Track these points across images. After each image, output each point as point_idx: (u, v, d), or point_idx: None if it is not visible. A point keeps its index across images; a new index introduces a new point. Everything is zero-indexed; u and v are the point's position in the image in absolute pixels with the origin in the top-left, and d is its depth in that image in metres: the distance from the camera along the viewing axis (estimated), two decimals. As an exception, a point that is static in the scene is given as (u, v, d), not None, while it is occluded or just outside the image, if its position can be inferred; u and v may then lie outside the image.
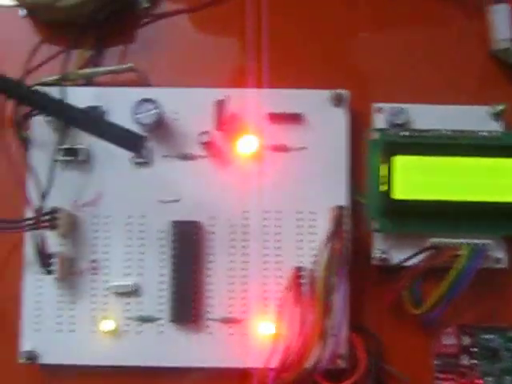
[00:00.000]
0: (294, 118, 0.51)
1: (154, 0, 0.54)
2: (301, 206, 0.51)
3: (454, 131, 0.50)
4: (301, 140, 0.51)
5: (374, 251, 0.50)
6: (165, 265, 0.50)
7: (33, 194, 0.49)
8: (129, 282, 0.50)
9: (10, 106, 0.51)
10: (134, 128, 0.50)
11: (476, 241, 0.49)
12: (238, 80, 0.52)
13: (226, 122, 0.49)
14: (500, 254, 0.50)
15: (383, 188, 0.48)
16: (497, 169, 0.49)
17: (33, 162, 0.50)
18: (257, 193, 0.51)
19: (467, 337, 0.50)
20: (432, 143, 0.49)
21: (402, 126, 0.50)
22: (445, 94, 0.53)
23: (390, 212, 0.49)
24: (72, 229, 0.50)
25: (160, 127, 0.51)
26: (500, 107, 0.51)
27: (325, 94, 0.51)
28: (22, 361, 0.49)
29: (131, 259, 0.50)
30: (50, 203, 0.49)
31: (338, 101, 0.51)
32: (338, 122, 0.51)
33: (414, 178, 0.48)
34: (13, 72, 0.51)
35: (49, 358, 0.50)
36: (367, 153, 0.50)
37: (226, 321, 0.50)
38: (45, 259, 0.47)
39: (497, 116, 0.51)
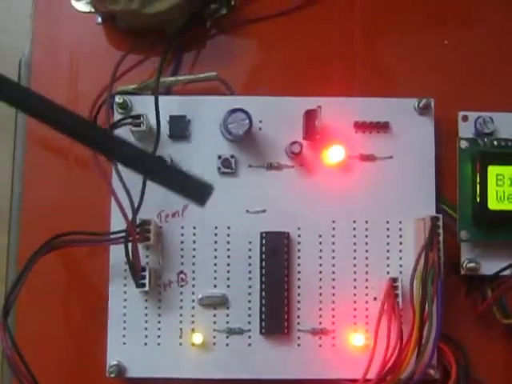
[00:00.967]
0: (381, 127, 0.50)
1: (234, 7, 0.53)
2: (388, 215, 0.50)
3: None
4: (387, 149, 0.51)
5: (462, 260, 0.50)
6: (252, 276, 0.50)
7: (121, 206, 0.47)
8: (216, 293, 0.49)
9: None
10: (221, 138, 0.49)
11: None
12: (325, 88, 0.51)
13: (316, 132, 0.48)
14: None
15: (477, 198, 0.48)
16: None
17: (118, 173, 0.49)
18: (344, 202, 0.50)
19: (557, 346, 0.50)
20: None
21: (490, 135, 0.50)
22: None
23: (483, 222, 0.48)
24: (159, 240, 0.49)
25: (247, 137, 0.50)
26: None
27: (411, 103, 0.51)
28: (109, 375, 0.48)
29: (218, 270, 0.50)
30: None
31: (423, 109, 0.51)
32: (425, 130, 0.51)
33: (509, 188, 0.48)
34: (90, 80, 0.51)
35: (136, 371, 0.49)
36: (458, 162, 0.49)
37: (316, 332, 0.49)
38: (138, 272, 0.46)
39: None
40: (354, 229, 0.50)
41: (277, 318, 0.49)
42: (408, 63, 0.53)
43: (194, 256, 0.50)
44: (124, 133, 0.49)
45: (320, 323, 0.50)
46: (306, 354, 0.49)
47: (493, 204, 0.48)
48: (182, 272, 0.50)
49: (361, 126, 0.51)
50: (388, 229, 0.50)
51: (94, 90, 0.51)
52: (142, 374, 0.49)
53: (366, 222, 0.50)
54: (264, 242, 0.49)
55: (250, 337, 0.49)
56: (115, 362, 0.49)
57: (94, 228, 0.48)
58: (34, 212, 0.51)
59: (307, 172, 0.50)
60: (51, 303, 0.50)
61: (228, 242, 0.50)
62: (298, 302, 0.50)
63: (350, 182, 0.50)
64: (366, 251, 0.50)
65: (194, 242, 0.50)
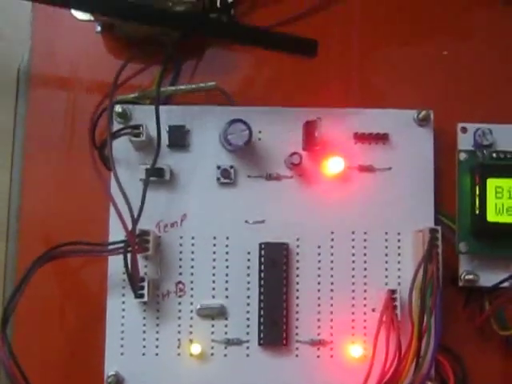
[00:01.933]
0: (380, 138, 0.51)
1: (234, 17, 0.52)
2: (387, 226, 0.50)
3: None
4: (386, 160, 0.51)
5: (461, 272, 0.50)
6: (251, 286, 0.49)
7: (120, 216, 0.47)
8: (215, 304, 0.49)
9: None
10: (220, 148, 0.49)
11: None
12: (325, 100, 0.51)
13: (315, 143, 0.48)
14: None
15: (476, 210, 0.48)
16: None
17: (117, 183, 0.49)
18: (343, 213, 0.50)
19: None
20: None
21: (489, 147, 0.50)
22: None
23: (482, 234, 0.48)
24: (158, 251, 0.49)
25: (246, 147, 0.50)
26: None
27: (410, 114, 0.51)
28: (107, 385, 0.48)
29: (217, 281, 0.50)
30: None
31: (423, 121, 0.51)
32: (424, 142, 0.51)
33: (508, 201, 0.48)
34: (89, 88, 0.52)
35: (134, 381, 0.49)
36: (457, 174, 0.49)
37: (314, 343, 0.49)
38: (137, 283, 0.46)
39: None
40: (353, 240, 0.50)
41: (275, 329, 0.49)
42: (407, 74, 0.53)
43: (192, 266, 0.50)
44: (123, 142, 0.49)
45: (318, 334, 0.50)
46: (304, 365, 0.49)
47: (492, 216, 0.48)
48: (180, 282, 0.50)
49: (360, 137, 0.51)
50: (386, 240, 0.50)
51: (93, 98, 0.51)
52: (140, 385, 0.49)
53: (365, 233, 0.50)
54: (263, 253, 0.49)
55: (248, 348, 0.49)
56: (113, 373, 0.49)
57: (91, 238, 0.48)
58: (33, 221, 0.51)
59: (306, 183, 0.50)
60: (49, 313, 0.50)
61: (227, 253, 0.50)
62: (297, 312, 0.50)
63: (349, 193, 0.51)
64: (365, 262, 0.50)
65: (193, 252, 0.50)
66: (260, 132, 0.51)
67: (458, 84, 0.53)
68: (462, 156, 0.50)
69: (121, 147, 0.50)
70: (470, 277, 0.50)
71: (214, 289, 0.50)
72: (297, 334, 0.50)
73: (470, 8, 0.54)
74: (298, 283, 0.50)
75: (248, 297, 0.50)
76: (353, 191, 0.51)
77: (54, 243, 0.47)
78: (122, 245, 0.46)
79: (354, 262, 0.50)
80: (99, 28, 0.52)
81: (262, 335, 0.49)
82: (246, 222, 0.50)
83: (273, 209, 0.50)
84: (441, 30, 0.54)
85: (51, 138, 0.51)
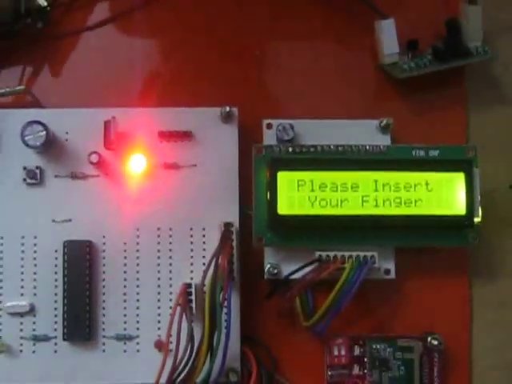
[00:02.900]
0: (184, 136, 0.52)
1: (49, 21, 0.54)
2: (192, 222, 0.51)
3: (339, 146, 0.51)
4: (191, 157, 0.52)
5: (265, 265, 0.51)
6: (58, 284, 0.51)
7: None
8: (23, 301, 0.50)
9: None
10: (24, 149, 0.50)
11: (361, 253, 0.49)
12: (128, 100, 0.52)
13: (113, 142, 0.50)
14: (389, 265, 0.51)
15: (268, 203, 0.49)
16: (382, 182, 0.50)
17: None
18: (148, 210, 0.51)
19: (358, 347, 0.51)
20: (316, 158, 0.50)
21: (290, 142, 0.51)
22: (335, 108, 0.54)
23: (276, 227, 0.49)
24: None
25: (51, 147, 0.51)
26: (387, 121, 0.52)
27: (214, 112, 0.52)
28: None
29: (25, 279, 0.51)
30: None
31: (227, 118, 0.52)
32: (228, 138, 0.52)
33: (299, 193, 0.49)
34: None
35: None
36: (253, 169, 0.50)
37: (120, 338, 0.50)
38: None
39: (385, 130, 0.52)
40: (158, 236, 0.51)
41: (79, 325, 0.50)
42: (213, 73, 0.54)
43: (1, 266, 0.51)
44: None
45: (125, 329, 0.51)
46: (111, 359, 0.51)
47: (283, 209, 0.49)
48: (-12, 282, 0.51)
49: (165, 136, 0.52)
50: (192, 236, 0.51)
51: None
52: None
53: (170, 229, 0.51)
54: (66, 250, 0.50)
55: (56, 343, 0.50)
56: None
57: None
58: None
59: (112, 181, 0.52)
60: None
61: (35, 252, 0.51)
62: (103, 308, 0.51)
63: (155, 191, 0.52)
64: (170, 258, 0.51)
65: (1, 251, 0.51)
66: (67, 133, 0.52)
67: (266, 81, 0.54)
68: (259, 151, 0.51)
69: None
70: (273, 269, 0.51)
71: (22, 287, 0.51)
72: (103, 329, 0.51)
73: (279, 11, 0.55)
74: (104, 280, 0.51)
75: (55, 294, 0.51)
76: (158, 188, 0.52)
77: None
78: None
79: (159, 257, 0.51)
80: None
81: (65, 331, 0.50)
82: (54, 221, 0.51)
83: (79, 207, 0.51)
84: (246, 29, 0.55)
85: None
